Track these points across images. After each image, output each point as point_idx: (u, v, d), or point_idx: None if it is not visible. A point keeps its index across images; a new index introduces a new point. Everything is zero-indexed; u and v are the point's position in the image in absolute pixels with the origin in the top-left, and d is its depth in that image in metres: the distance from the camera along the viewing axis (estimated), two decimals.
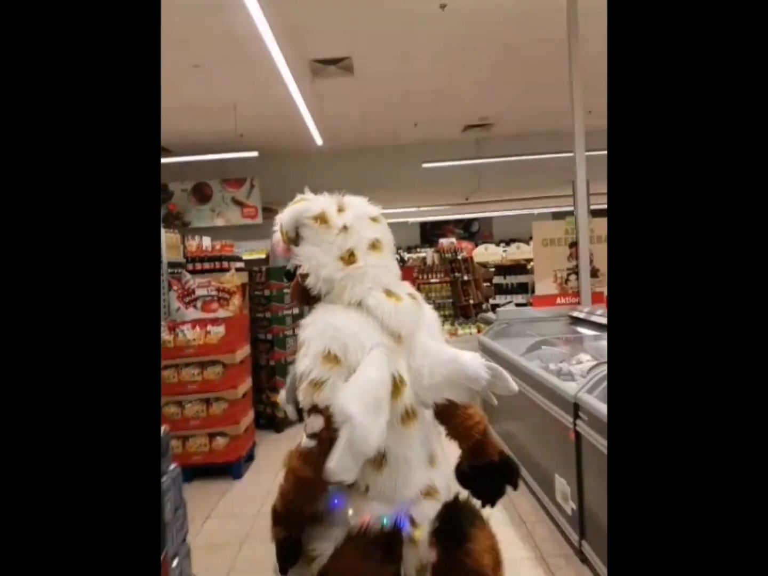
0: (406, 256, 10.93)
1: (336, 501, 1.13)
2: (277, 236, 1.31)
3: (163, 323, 3.44)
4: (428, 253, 8.16)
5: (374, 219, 1.29)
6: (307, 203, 1.27)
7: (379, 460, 1.10)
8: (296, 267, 1.26)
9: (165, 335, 3.35)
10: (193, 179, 8.18)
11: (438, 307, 5.10)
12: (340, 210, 1.26)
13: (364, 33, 4.87)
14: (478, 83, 6.19)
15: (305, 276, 1.22)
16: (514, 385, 1.22)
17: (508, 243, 10.75)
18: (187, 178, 8.15)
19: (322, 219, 1.22)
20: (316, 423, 1.06)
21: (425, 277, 7.27)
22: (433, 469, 1.23)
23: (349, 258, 1.20)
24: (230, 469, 3.37)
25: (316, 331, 1.14)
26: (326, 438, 1.05)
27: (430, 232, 14.49)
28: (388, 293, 1.21)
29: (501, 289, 6.90)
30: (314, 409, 1.07)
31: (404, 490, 1.15)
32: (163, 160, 7.77)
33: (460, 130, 8.12)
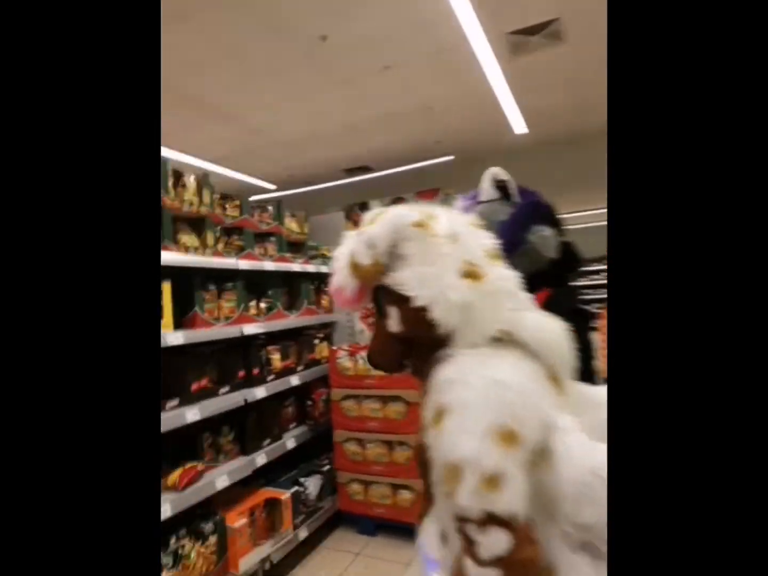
0: None
1: None
2: (341, 277, 1.03)
3: (345, 346, 3.01)
4: None
5: (473, 224, 1.06)
6: (396, 210, 1.02)
7: None
8: (387, 304, 0.99)
9: (346, 360, 2.89)
10: (390, 194, 8.10)
11: None
12: (429, 218, 1.00)
13: None
14: None
15: (421, 311, 0.92)
16: None
17: None
18: (385, 195, 8.10)
19: (424, 226, 0.97)
20: (498, 541, 0.75)
21: None
22: None
23: (473, 272, 0.94)
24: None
25: (475, 394, 0.82)
26: (519, 563, 0.75)
27: None
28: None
29: None
30: (492, 520, 0.75)
31: None
32: (363, 177, 7.98)
33: None
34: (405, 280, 0.94)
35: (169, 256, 1.95)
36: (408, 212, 0.99)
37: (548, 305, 1.14)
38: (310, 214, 3.57)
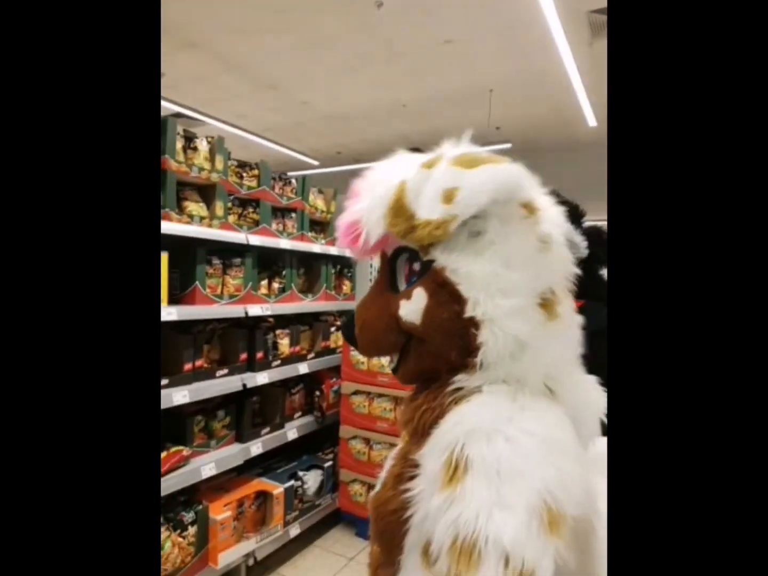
0: None
1: None
2: (371, 215, 0.72)
3: None
4: None
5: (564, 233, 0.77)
6: (517, 170, 0.68)
7: None
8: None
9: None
10: None
11: None
12: (538, 204, 0.72)
13: None
14: None
15: (470, 323, 0.68)
16: None
17: None
18: None
19: (533, 212, 0.69)
20: None
21: None
22: None
23: (551, 305, 0.70)
24: None
25: (523, 457, 0.61)
26: None
27: None
28: None
29: None
30: None
31: None
32: None
33: None
34: (469, 272, 0.68)
35: (164, 226, 1.79)
36: (525, 180, 0.70)
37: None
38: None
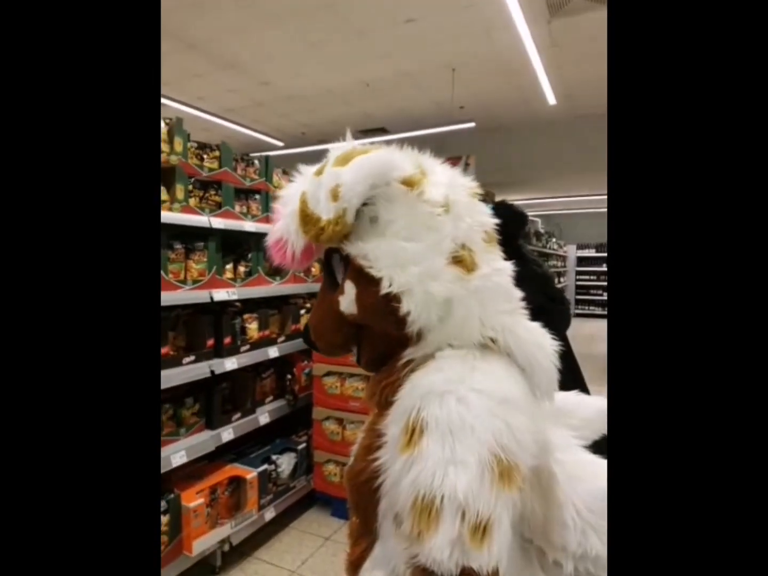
0: None
1: None
2: (286, 228, 0.80)
3: None
4: None
5: (474, 194, 0.83)
6: (386, 154, 0.77)
7: None
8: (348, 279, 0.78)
9: None
10: None
11: None
12: (423, 175, 0.78)
13: None
14: None
15: (388, 298, 0.72)
16: None
17: None
18: None
19: (415, 185, 0.75)
20: None
21: None
22: None
23: (466, 259, 0.75)
24: None
25: (474, 414, 0.65)
26: None
27: None
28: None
29: None
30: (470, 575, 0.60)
31: None
32: (379, 139, 7.62)
33: None
34: (376, 254, 0.74)
35: None
36: (397, 160, 0.76)
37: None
38: None
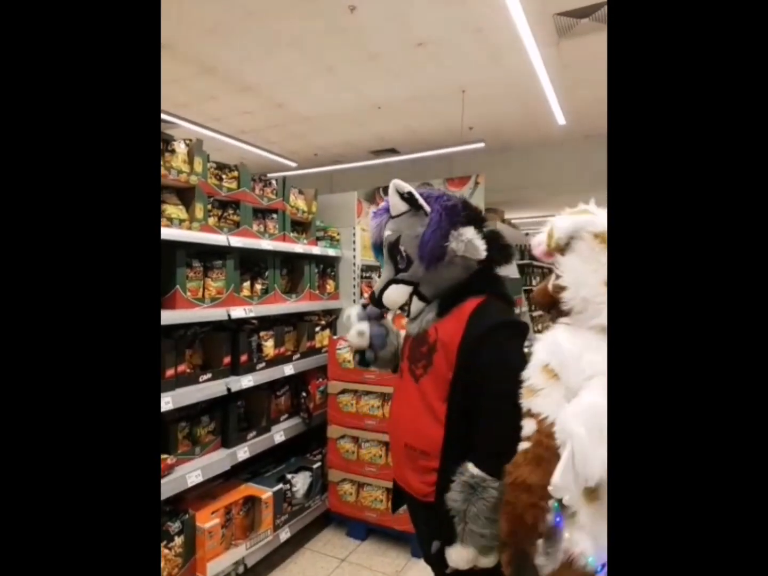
0: None
1: (558, 519, 0.99)
2: (542, 237, 1.20)
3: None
4: None
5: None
6: (592, 217, 1.12)
7: (593, 492, 0.95)
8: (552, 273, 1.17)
9: (346, 352, 2.67)
10: (418, 179, 7.81)
11: None
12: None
13: None
14: None
15: (561, 288, 1.12)
16: None
17: None
18: (412, 179, 7.80)
19: (602, 239, 1.08)
20: (528, 427, 1.06)
21: None
22: None
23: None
24: (410, 540, 2.48)
25: (542, 345, 1.11)
26: (537, 442, 1.03)
27: None
28: None
29: None
30: (528, 413, 1.07)
31: None
32: (390, 160, 7.70)
33: None
34: (562, 264, 1.12)
35: None
36: (597, 221, 1.09)
37: (478, 315, 1.25)
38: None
